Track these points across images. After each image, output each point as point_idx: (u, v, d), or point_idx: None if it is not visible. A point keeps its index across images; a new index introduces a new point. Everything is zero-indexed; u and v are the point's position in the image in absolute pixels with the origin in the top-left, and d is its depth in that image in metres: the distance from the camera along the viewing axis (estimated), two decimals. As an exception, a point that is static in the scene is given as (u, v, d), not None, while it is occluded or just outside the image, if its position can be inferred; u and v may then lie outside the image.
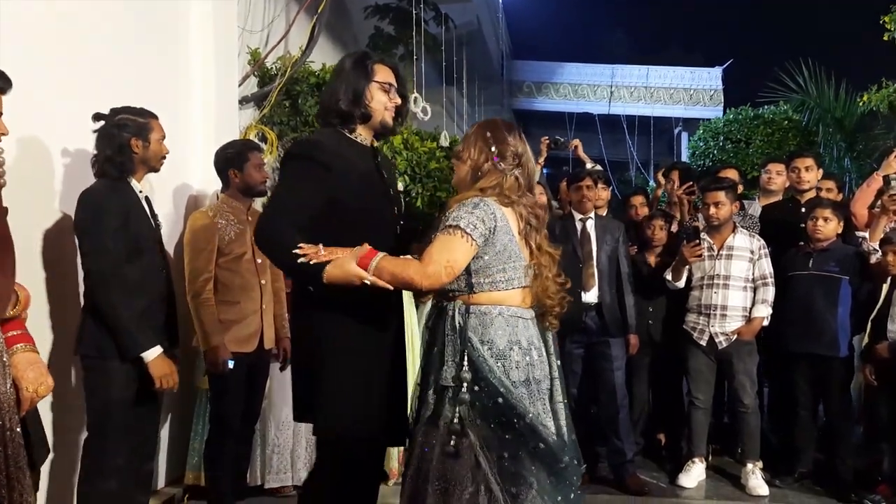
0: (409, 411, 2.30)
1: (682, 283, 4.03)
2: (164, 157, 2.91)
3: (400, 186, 2.45)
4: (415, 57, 7.20)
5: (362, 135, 2.36)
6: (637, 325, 4.11)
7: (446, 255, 2.03)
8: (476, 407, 2.04)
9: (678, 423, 4.36)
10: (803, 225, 4.02)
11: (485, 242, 2.08)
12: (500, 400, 2.03)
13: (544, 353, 2.20)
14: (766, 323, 3.89)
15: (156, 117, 2.88)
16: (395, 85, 2.37)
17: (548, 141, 5.29)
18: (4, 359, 1.87)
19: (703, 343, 3.94)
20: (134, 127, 2.77)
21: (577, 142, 5.50)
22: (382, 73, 2.35)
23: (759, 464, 3.97)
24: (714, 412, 4.28)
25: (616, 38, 21.57)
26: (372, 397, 2.23)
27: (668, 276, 4.04)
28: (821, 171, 4.44)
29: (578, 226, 4.11)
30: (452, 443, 2.02)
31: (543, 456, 2.05)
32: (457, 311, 2.11)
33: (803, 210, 4.18)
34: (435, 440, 2.07)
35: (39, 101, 2.79)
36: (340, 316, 2.18)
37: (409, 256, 2.16)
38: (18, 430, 1.82)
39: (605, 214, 4.31)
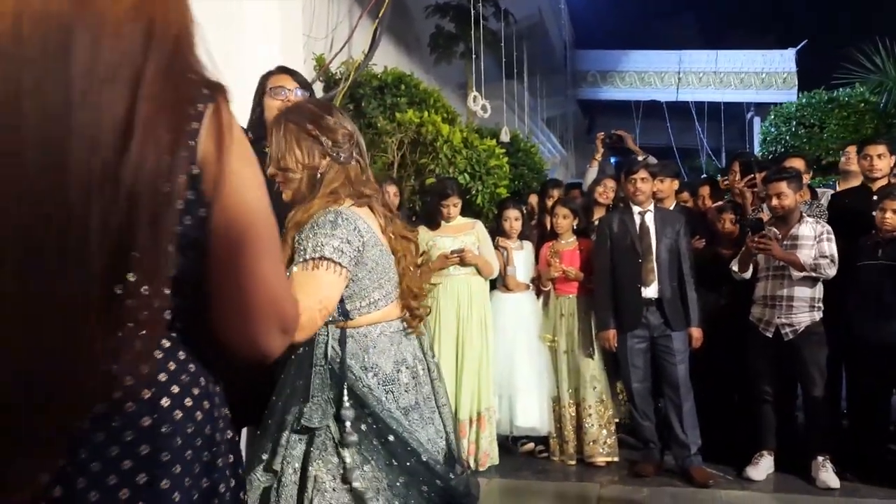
0: (268, 455, 1.77)
1: (748, 275, 3.99)
2: None
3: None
4: (474, 55, 7.27)
5: None
6: (702, 318, 4.06)
7: (315, 296, 1.60)
8: (362, 448, 1.70)
9: (741, 417, 4.32)
10: (874, 213, 3.92)
11: (356, 265, 1.72)
12: (392, 438, 1.70)
13: (424, 363, 1.90)
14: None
15: None
16: (288, 85, 2.28)
17: (602, 136, 5.56)
18: None
19: (770, 335, 3.88)
20: None
21: (622, 132, 5.72)
22: (273, 80, 2.31)
23: (830, 457, 3.88)
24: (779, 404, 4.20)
25: (683, 22, 20.98)
26: None
27: (735, 268, 4.01)
28: (894, 158, 4.29)
29: (637, 219, 4.10)
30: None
31: (441, 495, 1.76)
32: (330, 337, 1.74)
33: (875, 198, 4.08)
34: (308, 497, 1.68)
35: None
36: None
37: None
38: None
39: (671, 207, 4.27)
